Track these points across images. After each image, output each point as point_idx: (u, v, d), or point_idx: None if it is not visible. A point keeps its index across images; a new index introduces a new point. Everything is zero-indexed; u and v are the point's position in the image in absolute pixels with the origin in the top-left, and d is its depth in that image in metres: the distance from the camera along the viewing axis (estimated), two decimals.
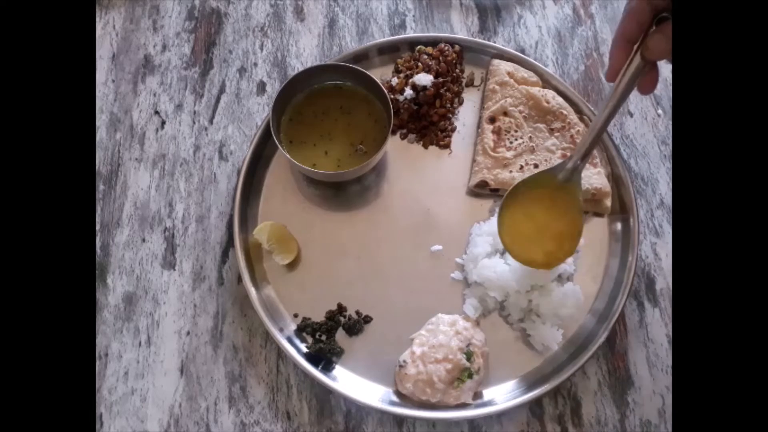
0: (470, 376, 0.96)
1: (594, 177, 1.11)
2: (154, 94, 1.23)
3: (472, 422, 0.99)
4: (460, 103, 1.21)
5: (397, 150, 1.17)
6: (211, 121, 1.21)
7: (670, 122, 1.22)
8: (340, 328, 1.04)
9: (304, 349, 1.01)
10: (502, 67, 1.19)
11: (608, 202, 1.11)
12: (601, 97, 1.24)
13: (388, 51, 1.23)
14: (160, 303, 1.07)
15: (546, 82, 1.20)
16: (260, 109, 1.22)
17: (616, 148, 1.14)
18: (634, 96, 1.25)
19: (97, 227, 1.12)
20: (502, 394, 1.00)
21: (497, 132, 1.15)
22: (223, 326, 1.05)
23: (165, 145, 1.19)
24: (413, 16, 1.32)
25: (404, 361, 0.97)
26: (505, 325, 1.05)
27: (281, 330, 1.02)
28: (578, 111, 1.17)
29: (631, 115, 1.23)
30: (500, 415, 1.00)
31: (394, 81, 1.17)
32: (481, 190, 1.13)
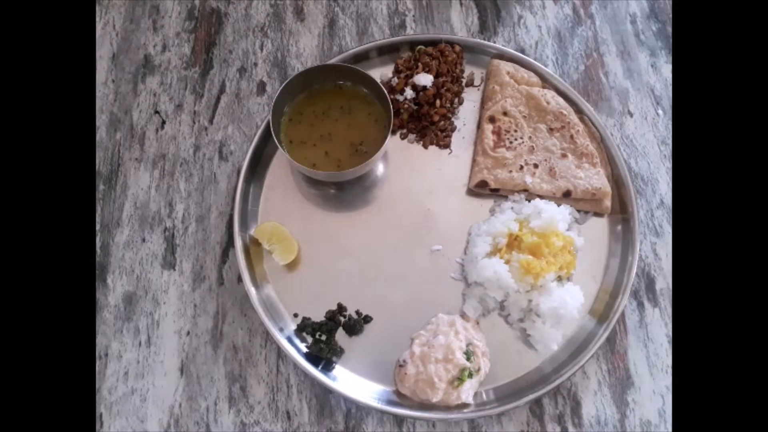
0: (470, 375, 0.96)
1: (594, 177, 1.11)
2: (154, 94, 1.23)
3: (472, 422, 0.99)
4: (460, 103, 1.21)
5: (397, 150, 1.17)
6: (211, 121, 1.21)
7: (670, 122, 1.22)
8: (340, 328, 1.04)
9: (304, 349, 1.01)
10: (502, 67, 1.19)
11: (608, 202, 1.11)
12: (601, 97, 1.24)
13: (388, 51, 1.23)
14: (160, 303, 1.07)
15: (546, 82, 1.20)
16: (260, 109, 1.22)
17: (617, 148, 1.14)
18: (634, 96, 1.25)
19: (97, 227, 1.12)
20: (502, 394, 1.00)
21: (497, 132, 1.15)
22: (223, 326, 1.05)
23: (165, 145, 1.19)
24: (413, 16, 1.32)
25: (404, 361, 0.98)
26: (505, 325, 1.05)
27: (281, 330, 1.02)
28: (578, 111, 1.17)
29: (631, 115, 1.23)
30: (500, 415, 1.00)
31: (394, 81, 1.17)
32: (481, 190, 1.13)
